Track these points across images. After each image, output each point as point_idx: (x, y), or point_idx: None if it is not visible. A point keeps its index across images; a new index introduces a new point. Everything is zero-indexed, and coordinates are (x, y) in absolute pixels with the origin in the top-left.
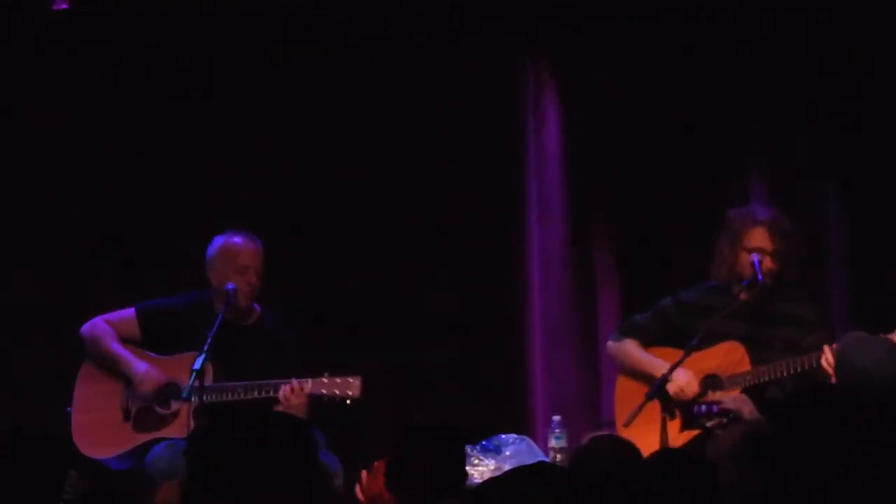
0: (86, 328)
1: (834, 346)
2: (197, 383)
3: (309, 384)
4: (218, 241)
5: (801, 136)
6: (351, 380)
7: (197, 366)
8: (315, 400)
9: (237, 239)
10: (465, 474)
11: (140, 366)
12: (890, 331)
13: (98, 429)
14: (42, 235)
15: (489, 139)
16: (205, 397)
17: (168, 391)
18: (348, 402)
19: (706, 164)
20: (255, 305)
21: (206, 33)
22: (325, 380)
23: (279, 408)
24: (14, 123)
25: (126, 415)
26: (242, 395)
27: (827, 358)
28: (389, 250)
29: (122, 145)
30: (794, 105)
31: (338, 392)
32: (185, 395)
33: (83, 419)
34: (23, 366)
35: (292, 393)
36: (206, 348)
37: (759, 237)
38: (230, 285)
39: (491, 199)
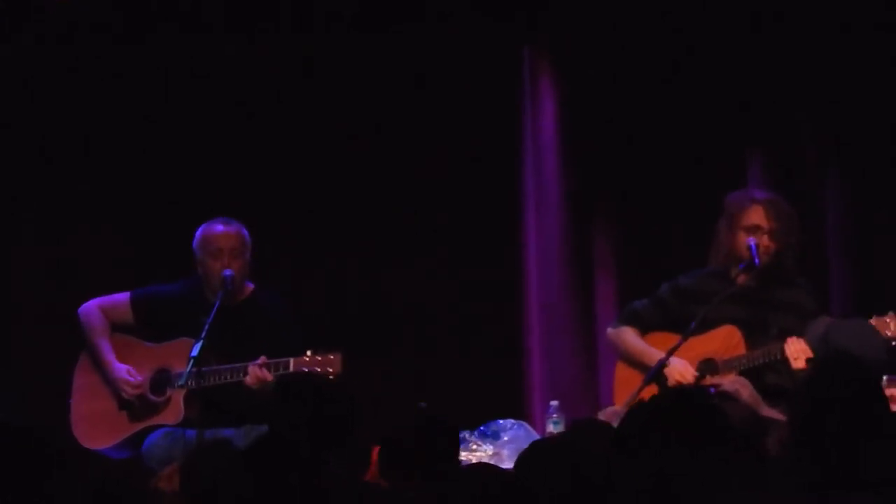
0: (82, 312)
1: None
2: (195, 370)
3: (291, 363)
4: (198, 231)
5: (801, 123)
6: (332, 356)
7: (195, 353)
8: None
9: (213, 225)
10: (458, 461)
11: (119, 371)
12: (881, 314)
13: (95, 419)
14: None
15: (486, 126)
16: (200, 382)
17: (161, 379)
18: (331, 377)
19: (705, 151)
20: (247, 282)
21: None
22: (306, 358)
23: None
24: (16, 109)
25: (121, 404)
26: (229, 378)
27: (791, 345)
28: (387, 237)
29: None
30: (794, 91)
31: (319, 369)
32: (182, 381)
33: (81, 409)
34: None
35: (255, 375)
36: (203, 335)
37: (756, 215)
38: (228, 271)
39: (488, 186)
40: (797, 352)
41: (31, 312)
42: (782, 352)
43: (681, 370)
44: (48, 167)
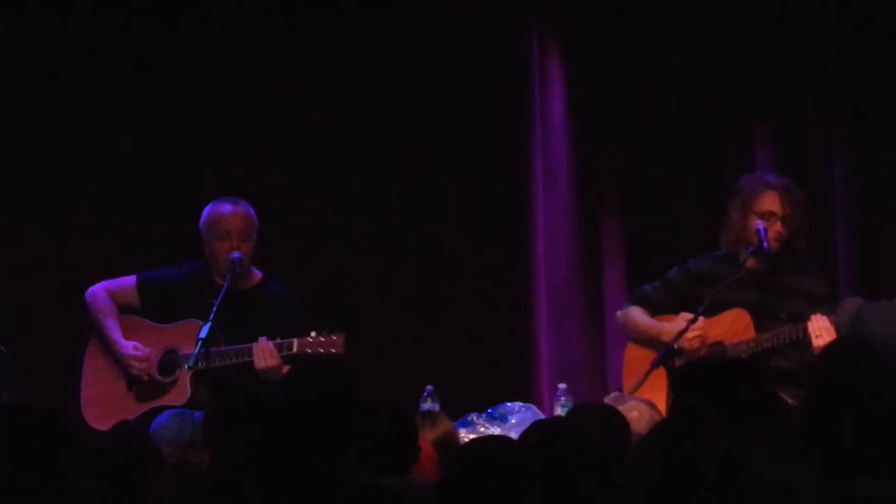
0: (88, 295)
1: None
2: (203, 351)
3: (294, 344)
4: (205, 211)
5: (807, 102)
6: (335, 337)
7: (203, 334)
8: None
9: (221, 204)
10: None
11: (125, 347)
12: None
13: (103, 401)
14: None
15: (494, 108)
16: (207, 363)
17: (169, 360)
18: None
19: (713, 133)
20: (255, 270)
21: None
22: (309, 339)
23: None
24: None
25: (129, 385)
26: (236, 359)
27: (813, 324)
28: (394, 219)
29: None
30: (799, 70)
31: (322, 350)
32: (190, 363)
33: (90, 392)
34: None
35: (262, 354)
36: (211, 317)
37: (770, 201)
38: (236, 254)
39: (496, 168)
40: (820, 329)
41: (32, 312)
42: (791, 335)
43: (689, 337)
44: (48, 167)
